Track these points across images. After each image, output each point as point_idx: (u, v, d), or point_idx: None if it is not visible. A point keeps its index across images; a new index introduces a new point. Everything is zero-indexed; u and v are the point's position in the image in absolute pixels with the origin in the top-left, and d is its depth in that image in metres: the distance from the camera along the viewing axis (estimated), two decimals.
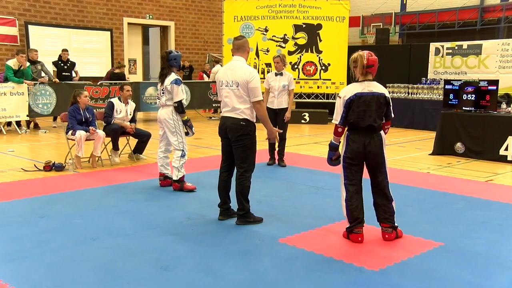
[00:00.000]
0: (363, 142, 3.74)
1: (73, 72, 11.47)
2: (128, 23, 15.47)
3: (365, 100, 3.71)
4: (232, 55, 4.36)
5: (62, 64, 11.26)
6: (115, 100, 7.10)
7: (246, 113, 4.15)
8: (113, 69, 12.87)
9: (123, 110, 7.04)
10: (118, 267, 3.33)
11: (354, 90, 3.74)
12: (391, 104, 3.86)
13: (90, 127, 6.65)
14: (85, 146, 6.60)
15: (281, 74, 6.84)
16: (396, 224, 3.91)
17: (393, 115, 3.92)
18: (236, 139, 4.15)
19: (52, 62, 11.38)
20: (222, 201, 4.40)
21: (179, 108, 5.28)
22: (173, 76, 5.25)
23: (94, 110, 7.20)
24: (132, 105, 7.25)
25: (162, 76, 5.31)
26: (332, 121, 3.94)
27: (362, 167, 3.86)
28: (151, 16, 15.95)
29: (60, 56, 11.35)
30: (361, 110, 3.71)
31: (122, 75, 12.64)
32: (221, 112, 4.38)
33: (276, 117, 6.76)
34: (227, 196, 4.40)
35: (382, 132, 3.84)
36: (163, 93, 5.29)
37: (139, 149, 7.21)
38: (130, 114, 7.14)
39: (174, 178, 5.37)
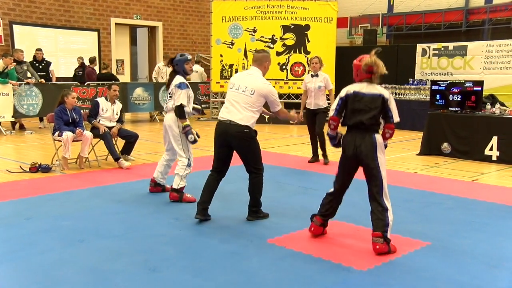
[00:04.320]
0: (353, 144, 3.72)
1: (49, 72, 11.31)
2: (116, 24, 15.35)
3: (360, 99, 3.72)
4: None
5: (37, 64, 11.08)
6: (100, 99, 7.05)
7: (249, 120, 4.18)
8: (89, 67, 12.57)
9: (109, 109, 6.98)
10: (106, 269, 3.30)
11: (353, 88, 3.79)
12: (391, 106, 3.74)
13: (77, 129, 6.58)
14: (72, 147, 6.54)
15: (317, 75, 7.00)
16: (388, 237, 3.63)
17: (397, 119, 3.76)
18: (244, 145, 4.22)
19: (29, 62, 11.21)
20: (205, 199, 4.30)
21: (176, 111, 4.91)
22: (177, 79, 4.96)
23: (82, 111, 7.13)
24: (119, 105, 7.20)
25: (168, 81, 5.11)
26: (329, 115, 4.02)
27: (352, 171, 3.83)
28: (138, 17, 15.85)
29: (34, 56, 11.19)
30: (355, 108, 3.72)
31: (110, 75, 12.53)
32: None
33: (315, 117, 7.02)
34: (211, 197, 4.35)
35: (377, 135, 3.73)
36: (170, 97, 5.04)
37: (126, 150, 7.15)
38: (117, 114, 7.08)
39: (174, 186, 4.99)
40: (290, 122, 4.66)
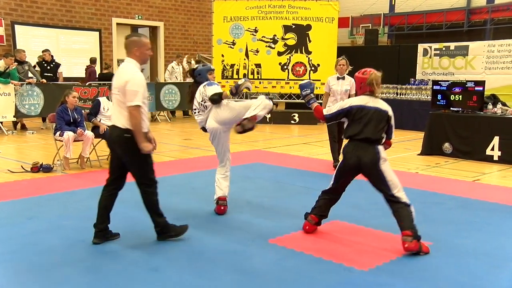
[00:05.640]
0: (356, 155, 3.73)
1: (58, 74, 11.38)
2: (117, 24, 15.37)
3: (366, 113, 3.73)
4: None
5: (45, 65, 11.15)
6: (102, 99, 7.08)
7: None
8: (90, 67, 12.77)
9: (110, 108, 6.99)
10: (107, 268, 3.30)
11: (357, 102, 3.80)
12: (392, 123, 3.84)
13: (78, 129, 6.59)
14: (73, 147, 6.54)
15: (343, 78, 6.71)
16: (419, 234, 3.60)
17: (393, 136, 3.90)
18: (125, 154, 3.61)
19: (36, 63, 11.26)
20: (99, 220, 3.78)
21: (216, 100, 4.48)
22: (202, 84, 4.63)
23: (83, 111, 7.14)
24: None
25: (191, 94, 4.73)
26: (324, 110, 3.94)
27: (350, 178, 3.90)
28: (140, 17, 15.86)
29: (42, 57, 11.26)
30: (361, 122, 3.73)
31: (111, 75, 12.55)
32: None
33: (338, 122, 6.69)
34: (107, 216, 3.82)
35: (379, 146, 3.76)
36: (204, 104, 4.61)
37: None
38: None
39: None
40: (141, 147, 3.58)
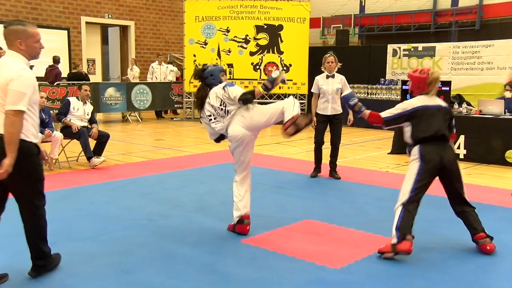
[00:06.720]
0: (439, 154, 3.68)
1: None
2: (86, 22, 15.05)
3: (433, 112, 3.74)
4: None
5: None
6: (72, 98, 6.97)
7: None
8: (54, 67, 12.08)
9: (80, 109, 6.87)
10: (77, 271, 3.24)
11: (419, 103, 3.78)
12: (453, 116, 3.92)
13: (46, 130, 6.44)
14: (42, 148, 6.37)
15: (333, 76, 6.10)
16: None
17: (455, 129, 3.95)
18: (13, 167, 2.83)
19: None
20: None
21: (249, 99, 3.93)
22: (218, 86, 4.04)
23: (51, 112, 6.98)
24: (90, 106, 7.10)
25: (201, 98, 4.09)
26: (382, 114, 3.89)
27: (432, 180, 3.75)
28: (110, 16, 15.59)
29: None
30: (430, 121, 3.72)
31: (80, 74, 12.28)
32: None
33: (330, 124, 6.22)
34: None
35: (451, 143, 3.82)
36: (225, 109, 4.00)
37: (97, 150, 7.02)
38: (88, 115, 6.97)
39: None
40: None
